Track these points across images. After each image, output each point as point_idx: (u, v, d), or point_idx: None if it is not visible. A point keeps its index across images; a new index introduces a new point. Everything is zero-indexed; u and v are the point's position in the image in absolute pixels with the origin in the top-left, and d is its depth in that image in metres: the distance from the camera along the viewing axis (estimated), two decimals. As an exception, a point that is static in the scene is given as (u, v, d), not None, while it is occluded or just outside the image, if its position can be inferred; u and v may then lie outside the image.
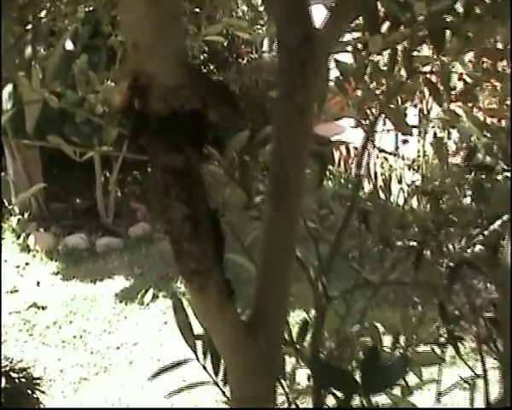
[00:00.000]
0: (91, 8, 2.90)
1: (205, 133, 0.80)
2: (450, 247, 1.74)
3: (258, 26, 2.26)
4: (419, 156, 8.48)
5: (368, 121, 1.83)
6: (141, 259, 7.08)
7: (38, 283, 6.72)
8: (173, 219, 0.84)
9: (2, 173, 8.23)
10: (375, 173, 8.52)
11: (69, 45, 1.30)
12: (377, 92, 1.88)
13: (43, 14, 2.19)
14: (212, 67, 9.45)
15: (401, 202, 7.66)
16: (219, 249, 0.89)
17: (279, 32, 0.84)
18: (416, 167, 8.45)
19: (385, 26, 1.86)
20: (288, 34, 0.84)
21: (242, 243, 1.56)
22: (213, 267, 0.90)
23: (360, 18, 1.86)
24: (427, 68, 1.83)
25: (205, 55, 9.00)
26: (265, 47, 10.21)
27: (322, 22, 0.85)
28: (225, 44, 9.67)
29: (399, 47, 1.87)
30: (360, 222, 1.61)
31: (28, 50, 1.32)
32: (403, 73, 1.95)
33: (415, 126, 2.27)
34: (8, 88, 1.39)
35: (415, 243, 1.69)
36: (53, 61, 1.31)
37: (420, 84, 1.93)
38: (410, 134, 1.95)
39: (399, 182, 8.04)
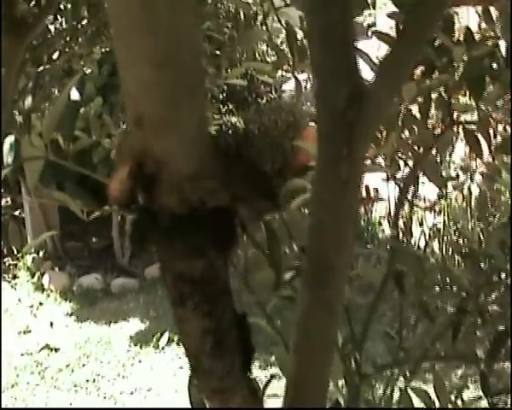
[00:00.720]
0: (108, 49, 2.81)
1: (234, 233, 0.65)
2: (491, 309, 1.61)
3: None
4: (440, 199, 8.32)
5: (401, 174, 1.71)
6: (157, 301, 6.94)
7: (52, 324, 6.60)
8: (190, 332, 0.68)
9: (18, 211, 8.19)
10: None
11: (75, 95, 1.15)
12: (410, 142, 1.76)
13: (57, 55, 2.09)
14: (230, 107, 9.40)
15: (422, 244, 7.53)
16: (247, 362, 0.74)
17: (321, 88, 0.70)
18: (437, 210, 8.29)
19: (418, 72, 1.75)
20: (332, 91, 0.68)
21: (263, 307, 1.42)
22: (239, 384, 0.74)
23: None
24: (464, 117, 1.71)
25: (224, 94, 8.95)
26: (285, 86, 10.16)
27: (373, 76, 0.72)
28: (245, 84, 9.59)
29: (434, 94, 1.76)
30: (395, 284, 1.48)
31: (28, 101, 1.19)
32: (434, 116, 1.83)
33: (451, 178, 2.13)
34: (10, 139, 1.27)
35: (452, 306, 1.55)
36: (54, 111, 1.17)
37: (455, 133, 1.81)
38: (445, 187, 1.82)
39: (420, 225, 7.89)
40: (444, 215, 7.86)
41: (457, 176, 7.84)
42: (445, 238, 7.61)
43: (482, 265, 1.62)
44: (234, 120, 9.17)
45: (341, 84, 0.68)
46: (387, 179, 1.70)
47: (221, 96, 8.82)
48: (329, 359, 0.84)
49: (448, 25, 1.52)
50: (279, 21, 1.86)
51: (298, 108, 9.75)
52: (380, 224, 8.72)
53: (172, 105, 0.61)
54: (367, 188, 9.11)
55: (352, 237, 0.74)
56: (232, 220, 0.66)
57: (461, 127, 1.67)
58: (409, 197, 1.68)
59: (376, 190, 8.78)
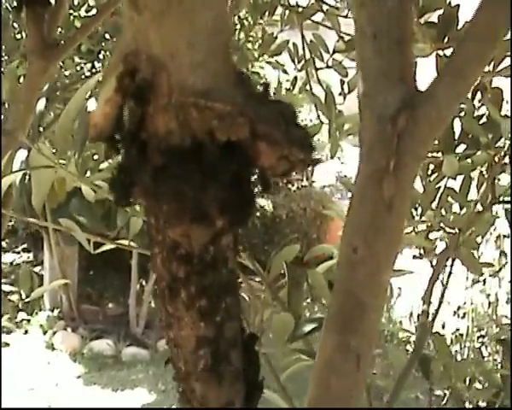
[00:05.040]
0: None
1: (251, 190, 0.49)
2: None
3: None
4: (465, 303, 8.13)
5: (434, 254, 1.60)
6: (166, 375, 6.75)
7: (57, 384, 6.44)
8: (181, 340, 0.52)
9: (39, 268, 8.13)
10: (418, 316, 8.18)
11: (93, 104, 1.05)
12: (447, 221, 1.66)
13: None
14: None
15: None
16: (252, 397, 0.58)
17: (368, 91, 0.60)
18: (461, 314, 8.09)
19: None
20: (381, 94, 0.58)
21: (277, 376, 1.30)
22: None
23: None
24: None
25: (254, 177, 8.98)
26: (315, 176, 10.13)
27: (432, 80, 0.61)
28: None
29: (475, 172, 1.67)
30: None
31: (40, 106, 1.09)
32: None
33: (489, 264, 2.03)
34: (23, 154, 1.17)
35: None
36: (66, 117, 1.06)
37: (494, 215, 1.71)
38: (480, 274, 1.71)
39: (443, 327, 7.69)
40: (468, 320, 7.68)
41: (484, 282, 7.67)
42: (468, 344, 7.43)
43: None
44: (262, 203, 9.21)
45: (392, 87, 0.57)
46: (420, 256, 1.60)
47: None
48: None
49: (497, 96, 1.44)
50: (320, 84, 1.80)
51: (328, 198, 9.74)
52: (400, 323, 8.50)
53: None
54: (390, 285, 8.95)
55: (389, 275, 0.62)
56: (250, 170, 0.49)
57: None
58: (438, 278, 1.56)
59: (399, 289, 8.62)
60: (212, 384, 0.55)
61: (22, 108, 1.16)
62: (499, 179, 1.62)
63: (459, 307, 8.07)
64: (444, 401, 1.34)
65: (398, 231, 0.63)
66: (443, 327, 7.58)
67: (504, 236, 6.18)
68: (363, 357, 0.64)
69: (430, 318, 1.55)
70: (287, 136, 0.47)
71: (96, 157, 2.01)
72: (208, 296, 0.51)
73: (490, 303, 7.38)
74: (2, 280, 8.01)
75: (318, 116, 1.79)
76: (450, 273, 1.54)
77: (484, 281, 7.65)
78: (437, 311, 1.52)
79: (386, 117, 0.58)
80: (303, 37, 1.94)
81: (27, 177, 1.13)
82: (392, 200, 0.57)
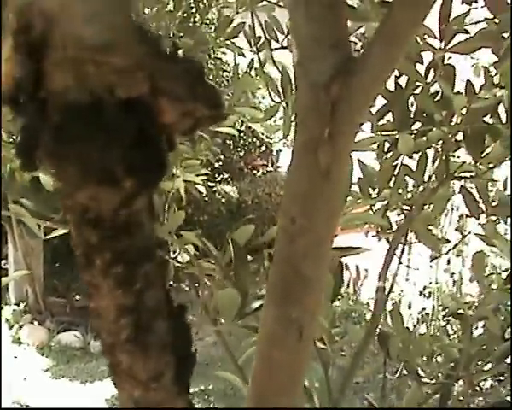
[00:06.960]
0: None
1: (157, 146, 0.47)
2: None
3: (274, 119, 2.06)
4: (431, 283, 8.23)
5: (392, 230, 1.61)
6: (135, 364, 6.72)
7: (25, 379, 6.38)
8: (101, 310, 0.50)
9: (4, 261, 8.03)
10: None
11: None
12: (404, 199, 1.67)
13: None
14: (226, 176, 9.44)
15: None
16: (185, 369, 0.56)
17: (302, 59, 0.59)
18: (426, 294, 8.18)
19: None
20: (314, 62, 0.57)
21: (235, 360, 1.29)
22: (173, 399, 0.56)
23: (386, 116, 1.68)
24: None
25: (220, 163, 8.96)
26: (281, 161, 10.15)
27: (366, 43, 0.60)
28: (241, 155, 9.71)
29: (431, 150, 1.68)
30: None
31: None
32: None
33: (447, 241, 2.05)
34: None
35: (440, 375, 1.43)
36: None
37: (452, 191, 1.72)
38: (439, 252, 1.72)
39: (409, 308, 7.76)
40: (433, 299, 7.76)
41: (448, 261, 7.76)
42: (434, 323, 7.52)
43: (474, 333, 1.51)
44: (228, 189, 9.21)
45: (326, 54, 0.56)
46: (377, 236, 1.61)
47: (217, 165, 8.84)
48: (293, 396, 0.69)
49: (449, 73, 1.45)
50: (275, 65, 1.79)
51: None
52: (368, 305, 8.57)
53: None
54: (356, 267, 9.01)
55: (330, 245, 0.61)
56: (155, 128, 0.46)
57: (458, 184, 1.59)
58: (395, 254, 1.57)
59: (366, 271, 8.68)
60: (137, 355, 0.54)
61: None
62: (453, 156, 1.64)
63: (425, 287, 8.16)
64: (397, 374, 1.35)
65: (337, 200, 0.61)
66: (409, 307, 7.67)
67: (467, 215, 6.25)
68: (306, 329, 0.63)
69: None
70: (191, 92, 0.46)
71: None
72: (124, 263, 0.50)
73: (454, 282, 7.46)
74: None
75: (271, 97, 1.78)
76: (403, 249, 1.55)
77: (448, 261, 7.74)
78: (391, 286, 1.52)
79: (319, 84, 0.57)
80: (254, 18, 1.91)
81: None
82: (329, 168, 0.56)
